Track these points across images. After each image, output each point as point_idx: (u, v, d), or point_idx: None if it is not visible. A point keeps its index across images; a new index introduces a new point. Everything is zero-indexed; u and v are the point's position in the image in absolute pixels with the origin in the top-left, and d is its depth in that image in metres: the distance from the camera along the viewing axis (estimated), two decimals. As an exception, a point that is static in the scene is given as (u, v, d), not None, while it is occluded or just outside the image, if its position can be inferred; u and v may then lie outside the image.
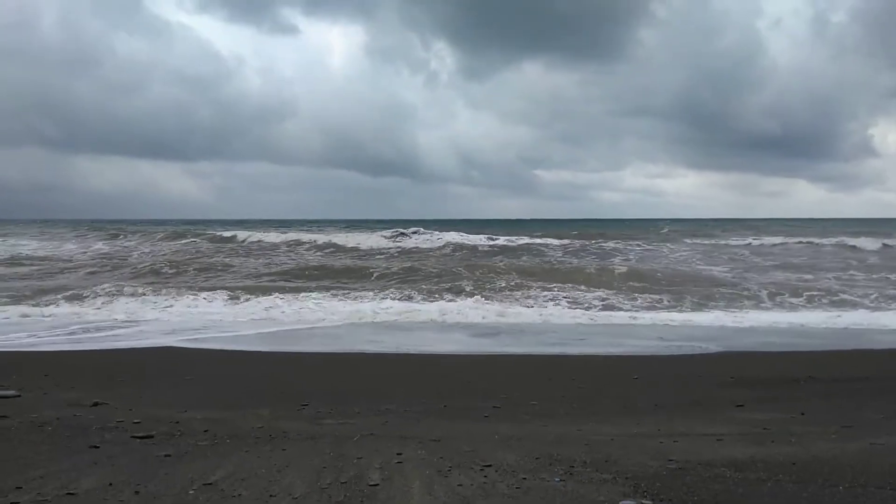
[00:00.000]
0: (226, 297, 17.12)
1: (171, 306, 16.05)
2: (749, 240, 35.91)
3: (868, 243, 31.30)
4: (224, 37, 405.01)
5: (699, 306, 16.43)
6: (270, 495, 4.18)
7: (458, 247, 33.18)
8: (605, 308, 16.06)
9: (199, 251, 32.65)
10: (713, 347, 11.18)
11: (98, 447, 5.26)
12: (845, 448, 5.30)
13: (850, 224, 60.21)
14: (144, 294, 17.66)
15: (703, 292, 18.33)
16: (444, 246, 33.18)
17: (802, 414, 6.60)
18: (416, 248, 33.00)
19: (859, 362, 9.76)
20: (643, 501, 4.08)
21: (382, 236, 37.66)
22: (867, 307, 15.97)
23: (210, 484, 4.37)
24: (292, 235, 37.68)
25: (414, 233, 38.42)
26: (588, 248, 31.70)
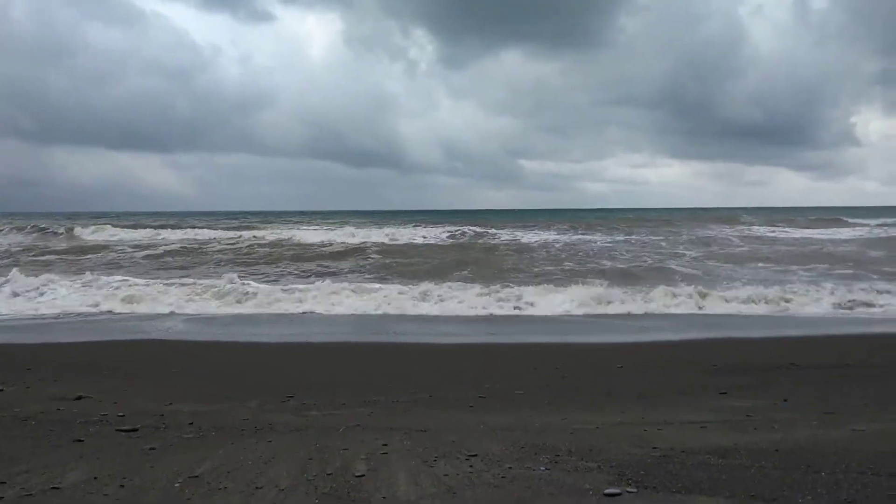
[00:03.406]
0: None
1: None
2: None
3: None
4: (199, 25, 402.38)
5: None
6: (256, 487, 4.18)
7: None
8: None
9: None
10: (696, 335, 11.27)
11: (82, 441, 5.24)
12: (827, 434, 5.37)
13: (832, 213, 60.83)
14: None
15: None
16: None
17: (785, 401, 6.67)
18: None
19: (841, 349, 9.85)
20: (627, 489, 4.11)
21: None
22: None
23: (196, 477, 4.37)
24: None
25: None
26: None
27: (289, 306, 14.54)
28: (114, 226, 42.27)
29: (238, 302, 15.02)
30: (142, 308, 14.46)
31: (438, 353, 10.15)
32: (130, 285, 16.83)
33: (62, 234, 37.51)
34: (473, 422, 5.91)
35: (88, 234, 38.00)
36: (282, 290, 16.21)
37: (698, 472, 4.44)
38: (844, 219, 48.61)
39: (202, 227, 42.00)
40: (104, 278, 18.01)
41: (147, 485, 4.23)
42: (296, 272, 21.43)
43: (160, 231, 39.54)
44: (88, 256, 26.29)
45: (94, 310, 14.43)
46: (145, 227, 41.13)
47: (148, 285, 16.67)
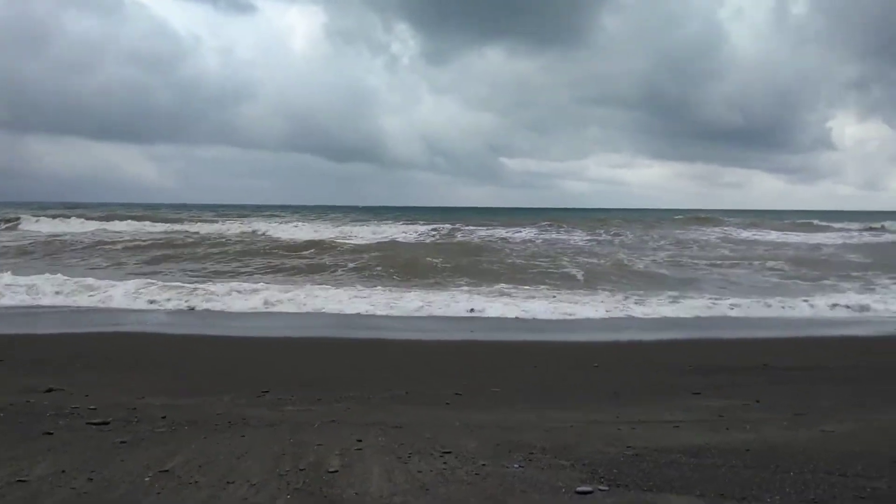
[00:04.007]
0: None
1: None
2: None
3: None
4: (179, 14, 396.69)
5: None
6: (228, 482, 4.15)
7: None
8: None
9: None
10: (672, 335, 11.36)
11: (52, 434, 5.17)
12: (797, 435, 5.43)
13: (807, 216, 61.62)
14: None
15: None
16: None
17: (758, 401, 6.74)
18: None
19: (813, 351, 9.99)
20: (599, 487, 4.13)
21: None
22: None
23: (166, 471, 4.32)
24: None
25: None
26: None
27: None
28: (66, 217, 41.78)
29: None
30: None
31: (417, 349, 10.14)
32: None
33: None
34: (449, 418, 5.91)
35: (32, 224, 37.81)
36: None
37: (670, 470, 4.47)
38: (816, 222, 49.23)
39: (170, 221, 41.41)
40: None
41: (116, 478, 4.18)
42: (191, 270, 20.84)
43: (110, 223, 38.77)
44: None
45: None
46: (111, 220, 40.53)
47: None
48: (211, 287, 15.02)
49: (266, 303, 13.85)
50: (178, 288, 14.80)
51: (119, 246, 27.02)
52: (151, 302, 13.90)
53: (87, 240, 29.52)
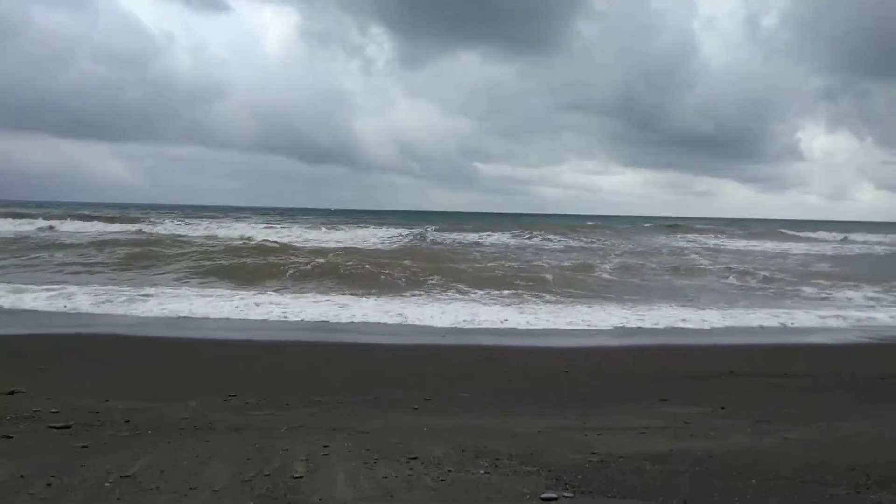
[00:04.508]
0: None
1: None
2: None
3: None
4: (152, 12, 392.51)
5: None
6: (190, 488, 4.10)
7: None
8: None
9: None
10: (641, 342, 11.45)
11: (11, 437, 5.08)
12: (760, 442, 5.52)
13: (776, 225, 62.62)
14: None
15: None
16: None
17: (723, 408, 6.83)
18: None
19: (778, 358, 10.13)
20: (564, 493, 4.16)
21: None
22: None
23: (127, 476, 4.27)
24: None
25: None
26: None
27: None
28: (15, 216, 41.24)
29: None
30: None
31: (386, 354, 10.11)
32: None
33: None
34: (417, 424, 5.91)
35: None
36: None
37: (634, 477, 4.52)
38: (789, 231, 50.10)
39: (123, 222, 41.10)
40: None
41: (76, 484, 4.12)
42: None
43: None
44: None
45: None
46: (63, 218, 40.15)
47: None
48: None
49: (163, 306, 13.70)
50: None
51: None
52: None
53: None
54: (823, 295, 18.25)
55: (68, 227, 37.18)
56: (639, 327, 12.95)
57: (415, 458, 4.78)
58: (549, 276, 20.25)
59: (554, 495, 4.11)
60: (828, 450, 5.24)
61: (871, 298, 17.76)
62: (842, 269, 25.25)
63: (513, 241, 32.95)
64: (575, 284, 19.15)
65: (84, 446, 4.91)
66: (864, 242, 45.11)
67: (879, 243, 44.71)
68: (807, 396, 7.57)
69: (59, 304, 13.54)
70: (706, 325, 13.31)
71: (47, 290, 14.78)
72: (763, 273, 22.67)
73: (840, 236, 50.23)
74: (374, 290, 17.13)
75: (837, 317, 14.55)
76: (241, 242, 28.24)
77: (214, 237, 31.56)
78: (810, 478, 4.53)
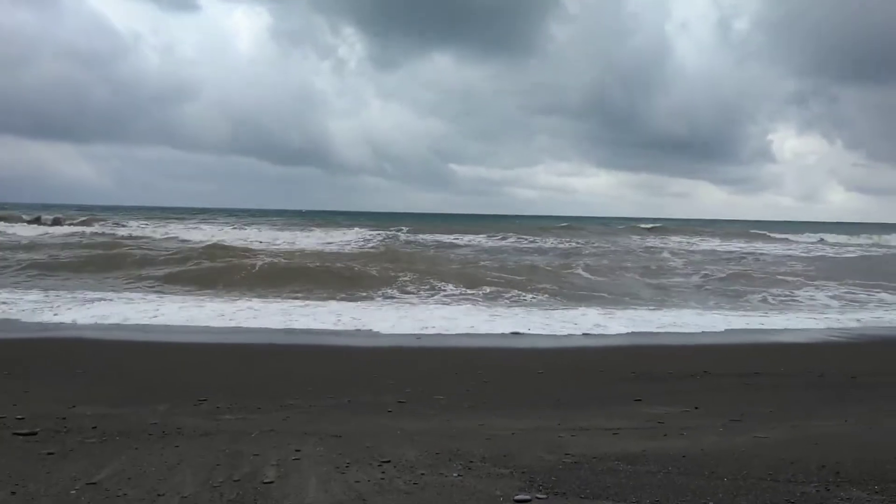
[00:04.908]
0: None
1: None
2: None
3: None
4: (119, 11, 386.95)
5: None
6: (158, 494, 4.03)
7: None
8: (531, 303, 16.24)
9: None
10: (616, 343, 11.50)
11: (-27, 445, 4.95)
12: (732, 441, 5.54)
13: (749, 226, 63.38)
14: None
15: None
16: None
17: (696, 408, 6.86)
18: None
19: (751, 358, 10.22)
20: (537, 495, 4.14)
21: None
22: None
23: (94, 483, 4.18)
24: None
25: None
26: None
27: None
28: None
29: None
30: None
31: (361, 357, 10.05)
32: None
33: None
34: (390, 427, 5.86)
35: None
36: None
37: (607, 478, 4.51)
38: (765, 232, 50.77)
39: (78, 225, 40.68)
40: None
41: (41, 491, 4.03)
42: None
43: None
44: None
45: None
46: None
47: None
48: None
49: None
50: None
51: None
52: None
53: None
54: (795, 295, 18.49)
55: (28, 231, 36.44)
56: (612, 328, 12.98)
57: (387, 462, 4.74)
58: (522, 278, 20.30)
59: (527, 497, 4.09)
60: (799, 448, 5.28)
61: (842, 298, 18.05)
62: (814, 270, 25.60)
63: (488, 243, 33.01)
64: (549, 285, 19.19)
65: (50, 453, 4.80)
66: (836, 244, 45.89)
67: (849, 244, 45.50)
68: (779, 396, 7.63)
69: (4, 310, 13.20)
70: (679, 326, 13.39)
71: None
72: (735, 274, 22.92)
73: (814, 237, 51.04)
74: (345, 292, 17.06)
75: (809, 317, 14.75)
76: (209, 244, 27.94)
77: (181, 239, 31.30)
78: (782, 476, 4.56)
